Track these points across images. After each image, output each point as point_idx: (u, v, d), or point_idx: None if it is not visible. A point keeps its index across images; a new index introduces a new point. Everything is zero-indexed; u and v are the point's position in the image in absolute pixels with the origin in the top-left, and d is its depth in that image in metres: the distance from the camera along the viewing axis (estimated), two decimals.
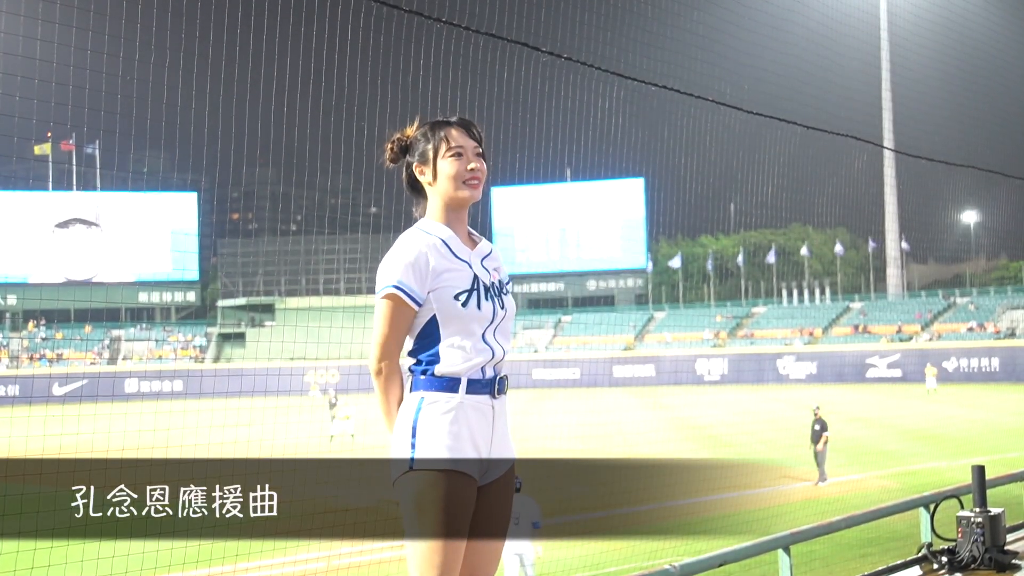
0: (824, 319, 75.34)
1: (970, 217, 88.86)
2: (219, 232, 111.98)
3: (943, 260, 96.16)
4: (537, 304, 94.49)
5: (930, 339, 66.81)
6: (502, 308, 3.83)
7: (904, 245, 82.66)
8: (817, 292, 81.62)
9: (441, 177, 3.82)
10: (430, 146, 3.83)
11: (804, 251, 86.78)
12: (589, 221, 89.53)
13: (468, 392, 3.71)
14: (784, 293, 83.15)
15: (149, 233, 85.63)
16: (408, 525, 3.66)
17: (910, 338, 67.74)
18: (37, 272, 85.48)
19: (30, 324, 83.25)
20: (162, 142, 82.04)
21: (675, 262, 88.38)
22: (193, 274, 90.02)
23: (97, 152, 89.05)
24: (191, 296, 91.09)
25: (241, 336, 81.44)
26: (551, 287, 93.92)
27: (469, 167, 3.81)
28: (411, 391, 3.75)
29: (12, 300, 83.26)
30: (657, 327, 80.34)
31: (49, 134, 79.20)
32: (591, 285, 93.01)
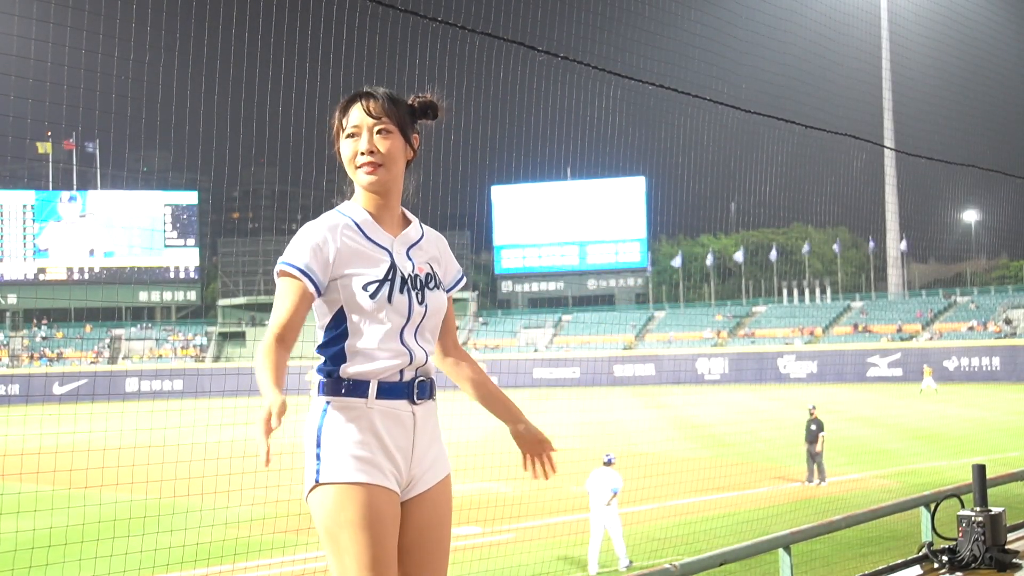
0: (824, 318, 75.35)
1: (971, 216, 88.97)
2: (219, 231, 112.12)
3: (944, 259, 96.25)
4: (537, 303, 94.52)
5: (931, 338, 66.79)
6: (420, 304, 3.35)
7: (904, 244, 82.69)
8: (817, 291, 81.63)
9: (342, 160, 3.44)
10: (335, 125, 3.46)
11: (805, 250, 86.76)
12: (589, 219, 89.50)
13: (379, 397, 3.26)
14: (784, 292, 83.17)
15: (149, 232, 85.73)
16: (327, 548, 3.21)
17: (911, 337, 67.73)
18: (37, 271, 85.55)
19: (34, 322, 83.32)
20: (157, 141, 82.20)
21: (676, 261, 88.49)
22: (193, 273, 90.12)
23: (97, 151, 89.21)
24: (191, 295, 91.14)
25: (241, 335, 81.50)
26: (551, 286, 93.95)
27: (359, 150, 3.36)
28: (317, 395, 3.33)
29: (12, 299, 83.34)
30: (657, 326, 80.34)
31: (49, 133, 79.33)
32: (591, 284, 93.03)
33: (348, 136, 3.40)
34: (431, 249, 3.54)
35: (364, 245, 3.35)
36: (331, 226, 3.34)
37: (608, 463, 16.43)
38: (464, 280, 3.68)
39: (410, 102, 3.49)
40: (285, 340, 3.24)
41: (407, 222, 3.52)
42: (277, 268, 3.31)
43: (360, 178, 3.39)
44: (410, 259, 3.42)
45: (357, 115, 3.38)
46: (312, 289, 3.26)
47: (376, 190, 3.39)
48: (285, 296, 3.27)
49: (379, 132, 3.37)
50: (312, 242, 3.28)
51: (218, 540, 15.16)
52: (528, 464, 3.62)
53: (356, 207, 3.42)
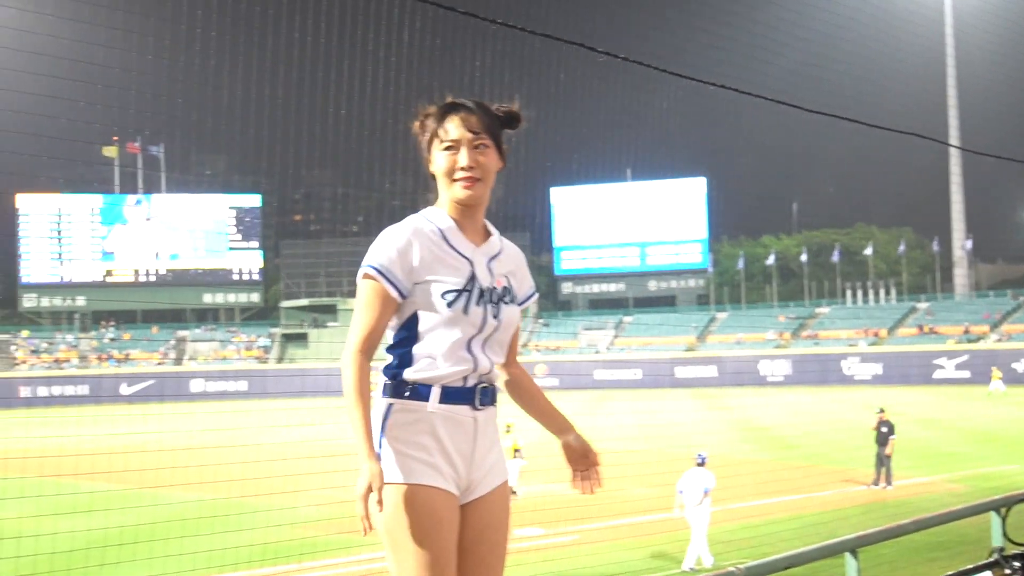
0: (889, 319, 74.49)
1: None
2: (282, 233, 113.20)
3: (1012, 259, 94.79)
4: (598, 305, 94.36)
5: (999, 340, 65.78)
6: (495, 318, 3.37)
7: (970, 244, 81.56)
8: (882, 292, 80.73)
9: (435, 171, 3.42)
10: (427, 134, 3.44)
11: (868, 251, 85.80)
12: (650, 221, 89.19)
13: (442, 402, 3.28)
14: (848, 293, 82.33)
15: (213, 234, 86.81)
16: (387, 548, 3.26)
17: (978, 339, 66.74)
18: (104, 274, 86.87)
19: (102, 324, 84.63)
20: (221, 144, 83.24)
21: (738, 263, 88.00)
22: (256, 275, 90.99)
23: (162, 154, 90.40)
24: (254, 297, 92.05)
25: (304, 336, 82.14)
26: (612, 288, 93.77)
27: (459, 165, 3.36)
28: (380, 396, 3.34)
29: (81, 301, 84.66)
30: (719, 328, 79.90)
31: (116, 137, 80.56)
32: (652, 285, 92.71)
33: (446, 148, 3.38)
34: (509, 263, 3.54)
35: (447, 253, 3.34)
36: (415, 230, 3.34)
37: (701, 463, 16.45)
38: (535, 296, 3.67)
39: (494, 110, 3.49)
40: (370, 351, 3.26)
41: (488, 234, 3.52)
42: (361, 272, 3.29)
43: (457, 192, 3.37)
44: (490, 271, 3.42)
45: (456, 128, 3.38)
46: (395, 294, 3.27)
47: (470, 203, 3.40)
48: (370, 302, 3.28)
49: (477, 147, 3.38)
50: (397, 246, 3.29)
51: (284, 540, 15.31)
52: (576, 481, 3.60)
53: (441, 214, 3.43)
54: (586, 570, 14.30)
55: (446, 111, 3.43)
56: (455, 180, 3.38)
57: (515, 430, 21.21)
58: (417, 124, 3.51)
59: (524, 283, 3.59)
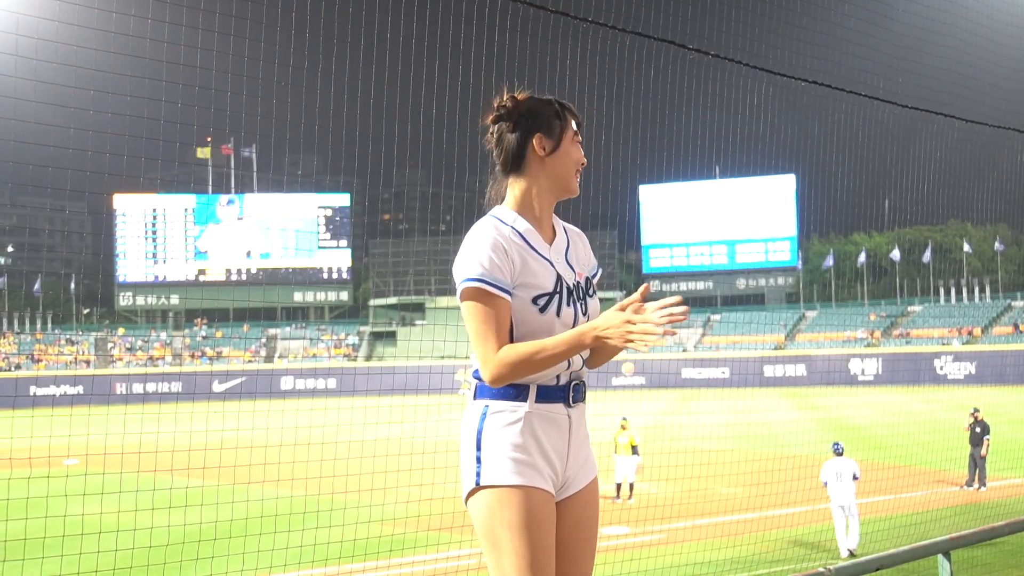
0: (984, 318, 72.97)
1: None
2: (371, 232, 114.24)
3: None
4: (686, 303, 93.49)
5: None
6: (584, 314, 3.38)
7: None
8: (976, 290, 79.07)
9: (562, 158, 3.42)
10: (559, 122, 3.43)
11: (966, 247, 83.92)
12: (739, 218, 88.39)
13: (538, 401, 3.28)
14: (941, 291, 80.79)
15: (303, 234, 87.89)
16: (486, 550, 3.27)
17: None
18: (197, 272, 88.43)
19: (198, 322, 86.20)
20: (315, 145, 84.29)
21: (827, 261, 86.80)
22: (346, 274, 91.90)
23: (254, 155, 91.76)
24: (344, 295, 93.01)
25: (392, 335, 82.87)
26: (700, 285, 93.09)
27: (583, 161, 3.49)
28: (475, 398, 3.34)
29: (175, 300, 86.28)
30: (808, 326, 78.95)
31: (209, 139, 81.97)
32: (741, 283, 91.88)
33: (579, 142, 3.51)
34: (579, 248, 3.58)
35: (531, 256, 3.35)
36: (503, 236, 3.33)
37: (840, 453, 16.61)
38: (600, 273, 3.67)
39: None
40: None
41: (554, 229, 3.54)
42: (468, 285, 3.25)
43: (574, 185, 3.49)
44: (570, 266, 3.45)
45: (576, 128, 3.51)
46: (501, 294, 3.24)
47: (570, 196, 3.52)
48: (486, 315, 3.23)
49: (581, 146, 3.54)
50: (496, 254, 3.26)
51: (373, 536, 15.50)
52: (642, 340, 3.19)
53: (514, 215, 3.44)
54: (671, 570, 14.24)
55: (567, 109, 3.52)
56: (576, 172, 3.50)
57: (630, 427, 21.21)
58: (553, 109, 3.50)
59: (589, 262, 3.61)
